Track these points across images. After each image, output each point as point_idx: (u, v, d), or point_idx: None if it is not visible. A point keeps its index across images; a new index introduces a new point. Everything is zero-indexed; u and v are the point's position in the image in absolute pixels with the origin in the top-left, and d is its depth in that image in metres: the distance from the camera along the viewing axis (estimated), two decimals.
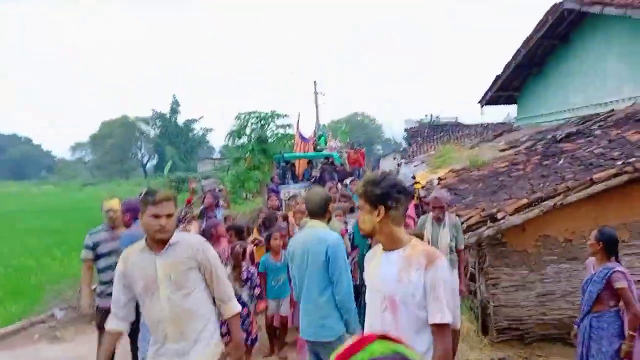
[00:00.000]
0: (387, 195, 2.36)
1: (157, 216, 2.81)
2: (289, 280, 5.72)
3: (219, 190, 11.66)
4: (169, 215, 2.85)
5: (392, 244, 2.40)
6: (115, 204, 5.19)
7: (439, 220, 5.82)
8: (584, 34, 11.78)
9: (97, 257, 5.11)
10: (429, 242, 5.76)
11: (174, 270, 2.86)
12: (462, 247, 5.87)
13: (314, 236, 3.48)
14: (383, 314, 2.39)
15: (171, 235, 2.90)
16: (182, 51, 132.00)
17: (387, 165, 43.46)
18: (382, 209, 2.36)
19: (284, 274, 5.81)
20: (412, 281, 2.30)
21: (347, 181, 12.04)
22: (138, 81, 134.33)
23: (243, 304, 5.09)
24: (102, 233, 5.23)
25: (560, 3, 11.45)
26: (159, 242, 2.87)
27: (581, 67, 11.89)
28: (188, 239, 2.99)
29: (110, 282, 4.74)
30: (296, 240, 3.67)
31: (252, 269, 5.42)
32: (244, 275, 5.32)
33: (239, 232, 6.00)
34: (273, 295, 5.80)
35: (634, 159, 6.18)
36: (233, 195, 19.86)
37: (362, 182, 2.44)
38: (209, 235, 5.70)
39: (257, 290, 5.28)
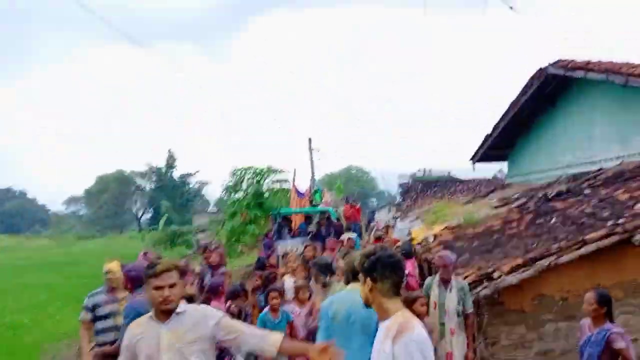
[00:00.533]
0: (372, 269, 2.51)
1: (159, 288, 2.85)
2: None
3: (216, 247, 11.66)
4: (172, 286, 2.88)
5: (382, 315, 2.53)
6: (115, 266, 5.23)
7: (445, 282, 5.80)
8: (569, 97, 12.19)
9: (96, 318, 5.12)
10: (435, 306, 5.76)
11: (180, 340, 2.85)
12: (470, 310, 5.78)
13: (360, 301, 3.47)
14: None
15: (176, 306, 2.92)
16: (177, 104, 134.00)
17: (382, 217, 43.46)
18: (368, 281, 2.51)
19: (282, 331, 5.80)
20: (385, 352, 2.38)
21: (345, 237, 12.13)
22: (134, 135, 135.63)
23: None
24: (101, 295, 5.26)
25: (545, 68, 11.88)
26: (164, 313, 2.90)
27: (568, 128, 12.22)
28: (196, 308, 3.04)
29: (108, 344, 4.72)
30: (340, 299, 3.62)
31: None
32: None
33: (234, 294, 6.00)
34: None
35: (623, 219, 6.32)
36: (228, 249, 19.76)
37: (360, 255, 2.59)
38: (217, 292, 6.01)
39: None
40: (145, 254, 6.80)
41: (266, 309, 5.96)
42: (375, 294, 2.47)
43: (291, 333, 5.88)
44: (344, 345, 3.41)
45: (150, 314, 2.95)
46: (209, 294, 6.10)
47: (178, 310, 2.93)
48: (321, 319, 3.67)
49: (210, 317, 2.99)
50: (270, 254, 9.05)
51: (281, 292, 6.17)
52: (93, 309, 5.17)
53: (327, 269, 5.57)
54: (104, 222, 65.99)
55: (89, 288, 5.56)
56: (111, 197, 65.90)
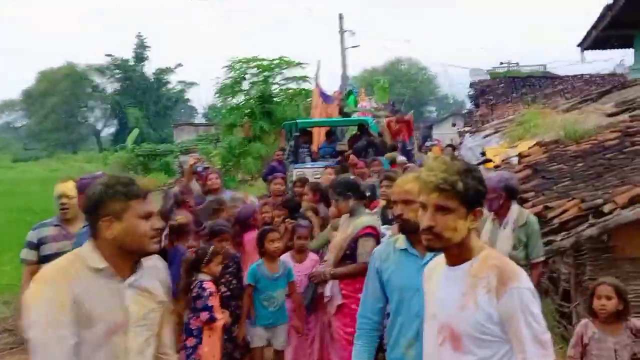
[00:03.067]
0: (483, 193, 2.55)
1: (149, 215, 2.74)
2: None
3: (205, 168, 11.87)
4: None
5: (460, 256, 2.53)
6: (70, 189, 5.32)
7: (500, 216, 5.75)
8: None
9: (43, 259, 5.25)
10: None
11: (150, 308, 2.79)
12: (538, 258, 5.71)
13: None
14: (440, 348, 2.52)
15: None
16: None
17: (444, 134, 43.22)
18: (478, 211, 2.52)
19: (281, 291, 6.00)
20: (480, 307, 2.41)
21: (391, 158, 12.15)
22: (89, 17, 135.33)
23: (189, 332, 5.36)
24: (50, 228, 5.43)
25: None
26: (133, 259, 2.77)
27: None
28: (156, 260, 2.98)
29: None
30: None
31: (207, 286, 5.46)
32: (194, 293, 5.42)
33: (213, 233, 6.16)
34: (263, 321, 5.96)
35: None
36: (225, 177, 20.14)
37: (452, 170, 2.48)
38: (247, 225, 6.76)
39: (204, 315, 5.36)
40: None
41: (260, 260, 6.10)
42: (459, 223, 2.47)
43: (292, 299, 6.08)
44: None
45: (97, 260, 2.67)
46: (239, 228, 6.70)
47: (145, 261, 2.84)
48: (371, 279, 3.63)
49: (167, 279, 2.98)
50: (272, 181, 9.33)
51: (304, 235, 6.36)
52: (38, 245, 5.34)
53: (352, 190, 5.64)
54: (51, 137, 67.29)
55: (30, 226, 5.68)
56: (59, 103, 66.80)
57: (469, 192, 2.45)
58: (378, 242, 5.19)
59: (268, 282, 5.94)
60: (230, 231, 6.28)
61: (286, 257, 6.23)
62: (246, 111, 21.84)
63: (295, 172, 13.53)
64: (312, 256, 6.26)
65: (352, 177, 5.89)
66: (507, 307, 2.36)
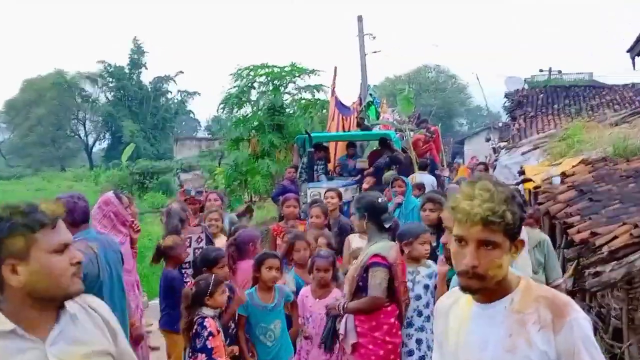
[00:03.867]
0: (524, 219, 2.53)
1: (64, 247, 2.45)
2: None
3: (199, 192, 12.08)
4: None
5: (496, 292, 2.48)
6: (56, 208, 5.36)
7: None
8: None
9: None
10: None
11: None
12: (559, 280, 5.84)
13: None
14: None
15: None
16: None
17: (477, 149, 43.09)
18: (521, 242, 2.49)
19: (278, 322, 6.02)
20: (534, 346, 2.37)
21: (416, 177, 12.15)
22: (80, 17, 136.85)
23: None
24: None
25: None
26: (55, 306, 2.48)
27: None
28: (89, 299, 2.68)
29: None
30: None
31: (208, 324, 5.45)
32: (194, 330, 5.41)
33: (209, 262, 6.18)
34: (264, 357, 5.97)
35: None
36: (230, 197, 20.21)
37: (499, 199, 2.39)
38: (244, 251, 6.77)
39: (201, 358, 5.34)
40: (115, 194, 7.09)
41: (252, 288, 6.15)
42: (504, 259, 2.42)
43: (291, 322, 6.18)
44: None
45: (6, 323, 2.34)
46: (235, 253, 6.74)
47: (70, 307, 2.52)
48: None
49: (107, 324, 2.66)
50: (284, 202, 9.38)
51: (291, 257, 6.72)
52: None
53: (370, 211, 5.69)
54: (36, 152, 67.60)
55: None
56: (46, 114, 67.17)
57: (516, 223, 2.40)
58: (390, 272, 5.38)
59: (261, 313, 5.97)
60: (225, 256, 6.36)
61: (306, 292, 6.23)
62: (254, 124, 21.89)
63: (310, 193, 13.58)
64: (336, 293, 6.12)
65: (381, 198, 5.91)
66: (567, 342, 2.33)
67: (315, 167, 15.93)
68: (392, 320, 5.48)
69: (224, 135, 27.92)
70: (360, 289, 5.43)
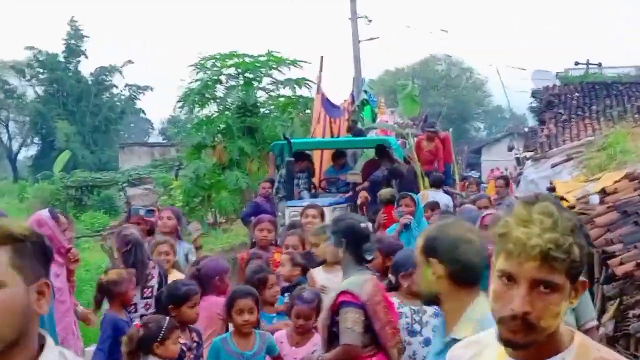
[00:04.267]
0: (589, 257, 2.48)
1: None
2: None
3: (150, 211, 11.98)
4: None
5: (545, 349, 2.32)
6: None
7: None
8: None
9: None
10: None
11: None
12: (592, 322, 5.86)
13: None
14: None
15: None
16: None
17: (497, 158, 43.10)
18: (582, 283, 2.31)
19: None
20: None
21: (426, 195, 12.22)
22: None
23: None
24: None
25: None
26: None
27: None
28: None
29: None
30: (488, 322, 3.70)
31: None
32: None
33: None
34: None
35: None
36: (189, 218, 20.14)
37: (565, 229, 2.22)
38: (209, 286, 6.79)
39: None
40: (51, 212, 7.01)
41: (226, 333, 6.23)
42: (562, 306, 2.26)
43: None
44: None
45: None
46: (201, 285, 6.62)
47: None
48: None
49: None
50: (257, 225, 9.39)
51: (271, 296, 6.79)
52: None
53: (349, 238, 5.67)
54: None
55: None
56: None
57: (582, 260, 2.23)
58: (365, 311, 5.31)
59: None
60: (198, 292, 6.32)
61: (281, 337, 6.26)
62: (220, 127, 21.90)
63: (289, 213, 13.58)
64: (317, 339, 6.08)
65: (364, 224, 5.89)
66: None
67: (296, 181, 15.95)
68: None
69: (182, 140, 27.71)
70: (334, 337, 5.41)
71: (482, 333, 2.55)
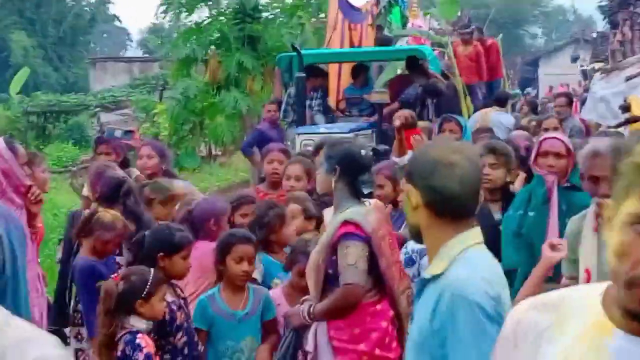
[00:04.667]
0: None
1: None
2: None
3: (128, 132, 12.04)
4: None
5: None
6: None
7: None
8: None
9: None
10: (588, 277, 5.63)
11: None
12: None
13: None
14: None
15: None
16: None
17: (558, 72, 42.70)
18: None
19: (252, 338, 6.16)
20: None
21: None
22: None
23: None
24: None
25: None
26: None
27: None
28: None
29: None
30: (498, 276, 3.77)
31: (142, 343, 5.49)
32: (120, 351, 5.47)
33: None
34: None
35: None
36: (177, 152, 20.23)
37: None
38: (203, 231, 6.92)
39: None
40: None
41: (214, 288, 6.29)
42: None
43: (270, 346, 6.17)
44: None
45: None
46: (193, 230, 6.69)
47: None
48: None
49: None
50: (266, 156, 9.28)
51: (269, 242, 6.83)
52: None
53: (344, 165, 5.71)
54: None
55: None
56: None
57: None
58: (370, 246, 5.37)
59: (227, 325, 6.06)
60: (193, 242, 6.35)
61: (277, 297, 6.35)
62: (213, 36, 21.84)
63: (300, 142, 13.59)
64: None
65: (364, 151, 5.94)
66: None
67: (308, 102, 15.94)
68: (384, 324, 5.54)
69: (166, 54, 27.69)
70: (330, 280, 5.46)
71: (555, 293, 2.33)
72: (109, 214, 6.71)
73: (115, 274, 5.77)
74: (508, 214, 6.85)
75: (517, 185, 7.72)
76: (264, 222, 6.90)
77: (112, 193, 7.30)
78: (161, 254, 5.88)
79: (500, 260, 5.11)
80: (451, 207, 3.44)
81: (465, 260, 3.29)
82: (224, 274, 6.13)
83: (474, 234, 3.50)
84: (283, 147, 9.90)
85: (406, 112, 11.21)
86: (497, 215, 6.88)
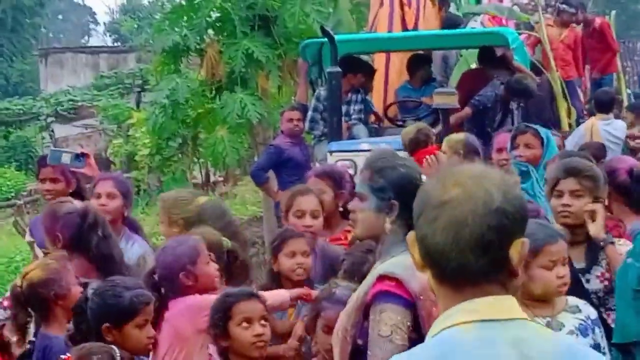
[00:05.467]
0: None
1: None
2: None
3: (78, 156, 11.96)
4: None
5: None
6: None
7: None
8: None
9: None
10: None
11: None
12: None
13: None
14: None
15: None
16: None
17: None
18: None
19: None
20: None
21: None
22: None
23: None
24: None
25: None
26: None
27: None
28: None
29: None
30: None
31: None
32: None
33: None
34: None
35: None
36: (161, 178, 20.32)
37: None
38: (177, 288, 6.94)
39: None
40: None
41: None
42: None
43: None
44: None
45: None
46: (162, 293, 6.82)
47: None
48: None
49: None
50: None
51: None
52: None
53: (403, 194, 5.65)
54: None
55: None
56: None
57: None
58: (414, 312, 5.16)
59: None
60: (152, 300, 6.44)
61: None
62: (211, 18, 21.87)
63: (333, 162, 13.54)
64: None
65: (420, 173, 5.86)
66: None
67: (345, 107, 15.97)
68: None
69: (146, 42, 27.79)
70: (360, 352, 5.33)
71: None
72: (33, 270, 6.74)
73: (67, 355, 5.75)
74: (626, 264, 6.78)
75: (596, 223, 7.53)
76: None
77: (79, 233, 7.38)
78: (107, 324, 5.93)
79: (609, 332, 5.12)
80: (439, 267, 3.19)
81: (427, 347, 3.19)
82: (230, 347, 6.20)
83: (472, 308, 3.14)
84: (328, 170, 9.84)
85: (414, 128, 11.36)
86: (580, 264, 6.87)
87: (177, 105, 21.19)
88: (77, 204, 7.81)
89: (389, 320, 5.01)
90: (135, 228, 9.62)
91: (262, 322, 6.20)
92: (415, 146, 10.34)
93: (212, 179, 22.31)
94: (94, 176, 9.58)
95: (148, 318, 6.07)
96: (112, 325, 5.89)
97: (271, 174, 13.09)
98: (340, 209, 8.66)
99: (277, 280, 6.84)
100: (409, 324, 5.09)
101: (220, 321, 6.12)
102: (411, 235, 3.22)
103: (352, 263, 6.59)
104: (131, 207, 10.24)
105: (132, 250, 8.97)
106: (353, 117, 15.74)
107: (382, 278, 5.16)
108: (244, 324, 6.08)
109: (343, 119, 15.35)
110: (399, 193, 5.39)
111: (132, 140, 23.68)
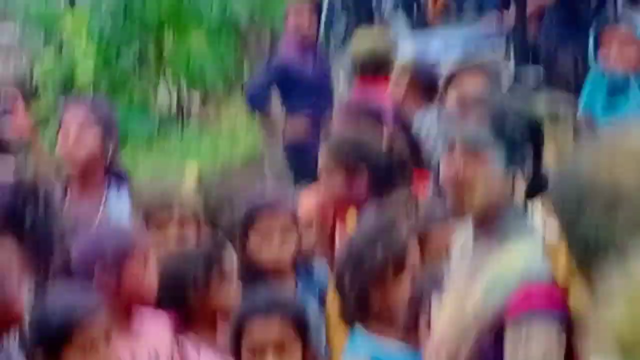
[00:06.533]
0: None
1: None
2: None
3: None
4: None
5: None
6: None
7: None
8: None
9: None
10: None
11: None
12: None
13: None
14: None
15: None
16: None
17: None
18: None
19: None
20: None
21: None
22: None
23: None
24: None
25: None
26: None
27: None
28: None
29: None
30: None
31: None
32: None
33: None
34: None
35: None
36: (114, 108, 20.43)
37: None
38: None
39: None
40: None
41: None
42: None
43: None
44: None
45: None
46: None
47: None
48: None
49: None
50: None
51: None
52: None
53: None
54: None
55: None
56: None
57: None
58: (569, 327, 4.95)
59: None
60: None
61: None
62: None
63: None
64: None
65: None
66: None
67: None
68: None
69: None
70: None
71: None
72: None
73: None
74: None
75: None
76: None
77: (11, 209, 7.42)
78: (39, 350, 5.95)
79: None
80: None
81: None
82: None
83: None
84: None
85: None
86: None
87: (133, 1, 20.91)
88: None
89: (543, 341, 4.83)
90: (120, 182, 9.41)
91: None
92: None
93: (186, 104, 21.88)
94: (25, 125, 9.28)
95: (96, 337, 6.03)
96: (49, 354, 5.93)
97: (273, 99, 13.05)
98: None
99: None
100: (564, 343, 4.92)
101: (235, 337, 6.46)
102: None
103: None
104: (117, 148, 9.75)
105: (115, 200, 9.01)
106: (387, 5, 15.76)
107: (529, 285, 4.99)
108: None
109: (373, 10, 15.36)
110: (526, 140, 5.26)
111: (66, 58, 23.29)
